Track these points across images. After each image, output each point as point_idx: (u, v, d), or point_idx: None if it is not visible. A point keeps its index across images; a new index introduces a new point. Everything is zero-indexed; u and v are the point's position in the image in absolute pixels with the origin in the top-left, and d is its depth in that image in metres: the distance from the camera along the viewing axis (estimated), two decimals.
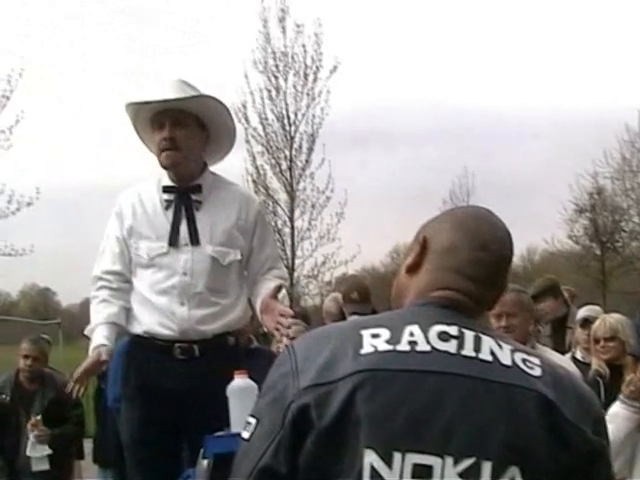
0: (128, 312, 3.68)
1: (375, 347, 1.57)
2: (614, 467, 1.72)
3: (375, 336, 1.59)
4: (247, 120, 20.27)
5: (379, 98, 37.66)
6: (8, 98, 18.04)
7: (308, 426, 1.53)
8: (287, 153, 20.58)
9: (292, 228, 20.66)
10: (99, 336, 3.57)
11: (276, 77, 20.49)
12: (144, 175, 3.87)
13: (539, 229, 30.85)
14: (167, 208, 3.67)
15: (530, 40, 42.70)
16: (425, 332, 1.59)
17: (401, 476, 1.49)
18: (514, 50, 43.94)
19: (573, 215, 25.29)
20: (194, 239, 3.61)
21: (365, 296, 5.98)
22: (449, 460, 1.49)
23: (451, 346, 1.58)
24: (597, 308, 6.34)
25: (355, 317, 5.13)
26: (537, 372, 1.60)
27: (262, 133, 20.60)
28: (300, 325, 5.38)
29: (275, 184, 20.78)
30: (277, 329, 3.40)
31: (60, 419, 6.14)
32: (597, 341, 4.87)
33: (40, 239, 33.18)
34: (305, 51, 20.38)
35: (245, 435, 1.61)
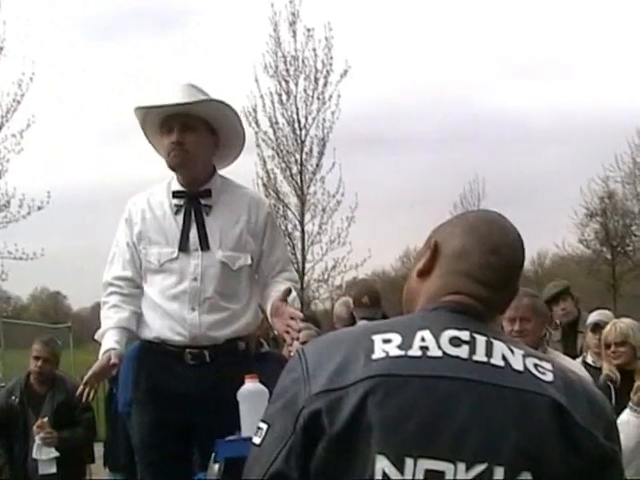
0: (139, 317, 3.68)
1: (387, 352, 1.57)
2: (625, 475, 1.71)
3: (386, 341, 1.59)
4: (257, 124, 20.34)
5: (390, 102, 37.74)
6: (19, 102, 18.09)
7: (319, 432, 1.53)
8: (298, 157, 20.61)
9: (302, 232, 20.68)
10: (109, 340, 3.57)
11: (287, 81, 20.54)
12: (157, 178, 3.87)
13: (550, 233, 30.84)
14: (177, 213, 3.67)
15: (541, 45, 42.67)
16: (436, 337, 1.59)
17: None
18: (524, 55, 43.93)
19: (584, 219, 25.32)
20: (204, 244, 3.61)
21: (376, 300, 5.97)
22: (461, 466, 1.49)
23: (463, 351, 1.58)
24: (608, 312, 6.32)
25: (366, 322, 5.12)
26: (549, 377, 1.60)
27: (272, 137, 20.67)
28: (311, 329, 5.38)
29: (285, 188, 20.84)
30: (287, 332, 3.39)
31: (70, 422, 6.08)
32: (608, 346, 4.85)
33: (51, 243, 33.31)
34: (315, 55, 20.43)
35: (256, 440, 1.61)
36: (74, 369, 12.04)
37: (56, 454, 5.92)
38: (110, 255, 3.77)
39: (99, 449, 7.00)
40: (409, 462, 1.49)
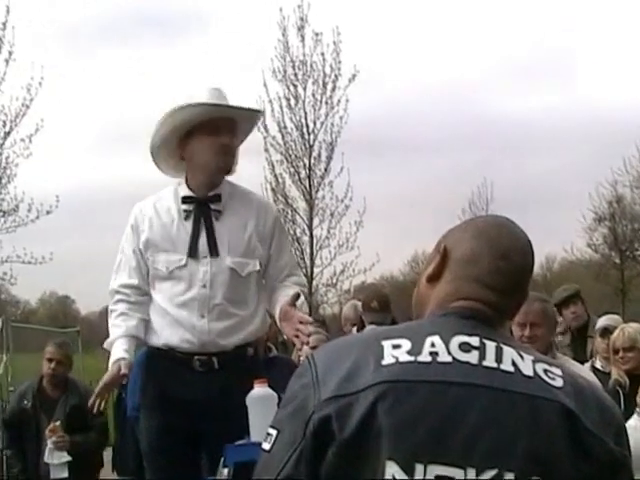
0: (147, 324, 3.68)
1: (396, 358, 1.57)
2: None
3: (396, 347, 1.59)
4: (266, 129, 20.26)
5: (398, 106, 37.72)
6: (28, 107, 18.12)
7: (329, 437, 1.52)
8: (306, 161, 20.57)
9: (311, 236, 20.64)
10: (118, 349, 3.57)
11: (295, 86, 20.50)
12: (166, 182, 3.84)
13: (558, 238, 30.76)
14: (186, 219, 3.65)
15: (548, 49, 42.64)
16: (446, 343, 1.59)
17: None
18: (532, 60, 43.88)
19: (592, 224, 25.26)
20: (213, 251, 3.60)
21: (385, 305, 5.95)
22: (471, 472, 1.49)
23: (472, 357, 1.58)
24: (617, 317, 6.32)
25: (375, 327, 5.12)
26: (558, 383, 1.60)
27: (281, 142, 20.61)
28: (321, 334, 5.36)
29: (294, 192, 20.79)
30: (297, 336, 3.39)
31: (82, 426, 6.03)
32: (616, 351, 4.85)
33: (59, 247, 33.39)
34: (324, 60, 20.37)
35: (266, 446, 1.61)
36: (84, 373, 12.04)
37: (68, 458, 5.89)
38: (116, 262, 3.76)
39: (107, 453, 7.01)
40: (419, 468, 1.49)
